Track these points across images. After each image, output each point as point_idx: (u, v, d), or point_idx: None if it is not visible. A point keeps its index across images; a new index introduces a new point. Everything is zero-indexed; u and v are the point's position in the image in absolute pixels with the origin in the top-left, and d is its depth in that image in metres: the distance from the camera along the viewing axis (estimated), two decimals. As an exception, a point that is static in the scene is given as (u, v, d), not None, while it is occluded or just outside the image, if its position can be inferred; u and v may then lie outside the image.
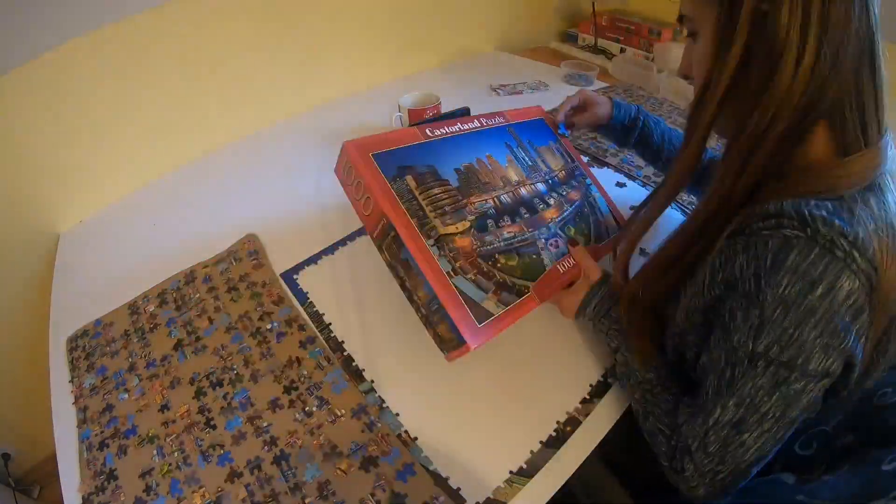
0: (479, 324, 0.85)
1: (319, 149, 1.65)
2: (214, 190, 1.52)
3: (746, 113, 0.67)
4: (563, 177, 1.14)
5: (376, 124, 1.75)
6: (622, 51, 2.37)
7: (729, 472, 0.69)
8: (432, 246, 0.86)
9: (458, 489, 0.83)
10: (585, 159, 1.55)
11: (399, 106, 1.62)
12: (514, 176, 1.05)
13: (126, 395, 0.99)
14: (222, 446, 0.90)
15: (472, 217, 0.94)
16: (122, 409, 0.97)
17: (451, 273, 0.86)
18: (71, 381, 1.04)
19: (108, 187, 1.50)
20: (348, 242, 1.27)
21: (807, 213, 0.60)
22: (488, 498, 0.82)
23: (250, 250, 1.26)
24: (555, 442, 0.89)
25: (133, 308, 1.16)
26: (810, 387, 0.63)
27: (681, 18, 0.78)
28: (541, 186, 1.08)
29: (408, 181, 0.90)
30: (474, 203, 0.96)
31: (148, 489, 0.85)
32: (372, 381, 0.98)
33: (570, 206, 1.09)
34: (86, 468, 0.90)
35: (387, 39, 1.99)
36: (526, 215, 1.01)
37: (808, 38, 0.61)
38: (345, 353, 1.03)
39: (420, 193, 0.90)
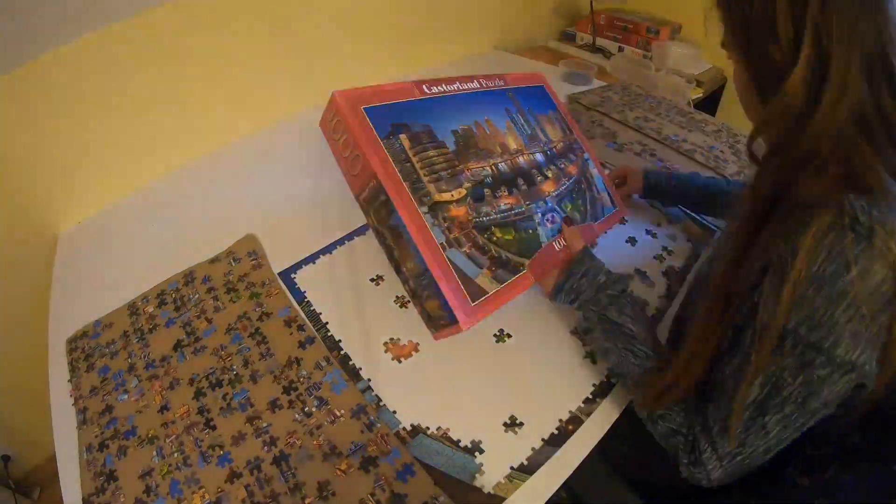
0: (472, 302, 0.80)
1: (318, 148, 1.63)
2: (213, 190, 1.51)
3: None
4: (561, 149, 1.09)
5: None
6: (620, 49, 2.38)
7: (747, 456, 0.70)
8: (426, 213, 0.80)
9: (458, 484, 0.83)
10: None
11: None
12: (512, 144, 1.00)
13: (126, 396, 0.99)
14: (222, 447, 0.90)
15: (469, 185, 0.88)
16: (121, 410, 0.97)
17: (445, 245, 0.80)
18: (70, 382, 1.04)
19: (107, 188, 1.49)
20: (346, 242, 1.27)
21: (846, 203, 0.60)
22: (488, 493, 0.82)
23: (249, 251, 1.26)
24: (557, 440, 0.89)
25: (132, 309, 1.16)
26: (835, 377, 0.63)
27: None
28: (539, 157, 1.03)
29: (402, 140, 0.84)
30: (471, 169, 0.90)
31: (148, 490, 0.85)
32: (369, 380, 0.98)
33: (568, 181, 1.05)
34: (86, 469, 0.90)
35: (385, 38, 1.99)
36: (524, 187, 0.96)
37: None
38: (342, 352, 1.03)
39: (415, 155, 0.84)
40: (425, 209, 0.80)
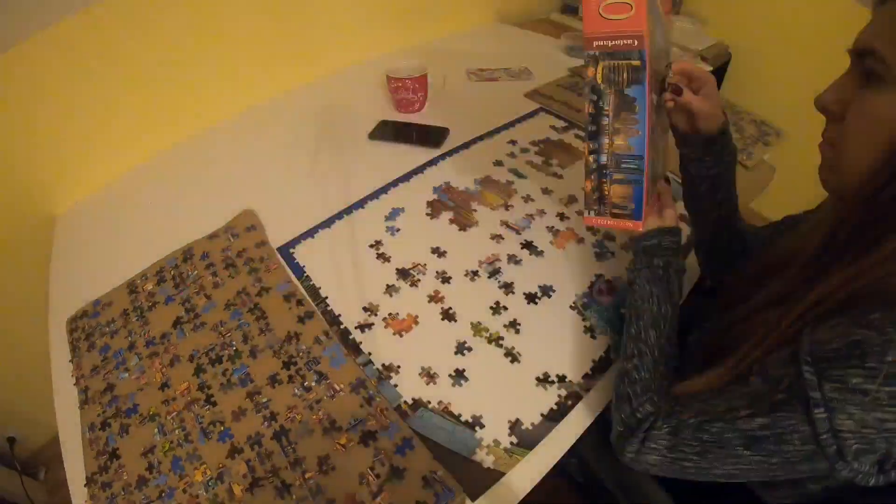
0: (647, 204, 0.74)
1: (315, 123, 1.63)
2: (211, 166, 1.50)
3: None
4: None
5: (369, 97, 1.74)
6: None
7: (697, 465, 0.67)
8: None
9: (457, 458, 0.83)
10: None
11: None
12: None
13: (126, 375, 1.00)
14: (223, 423, 0.90)
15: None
16: (122, 388, 0.98)
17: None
18: (71, 362, 1.04)
19: (103, 168, 1.48)
20: (345, 216, 1.26)
21: None
22: (487, 468, 0.82)
23: (248, 225, 1.25)
24: (556, 415, 0.89)
25: (131, 287, 1.16)
26: (834, 469, 0.57)
27: (861, 53, 0.59)
28: None
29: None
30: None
31: (150, 467, 0.86)
32: (369, 354, 0.97)
33: None
34: (89, 448, 0.90)
35: (383, 10, 1.96)
36: None
37: None
38: (341, 327, 1.02)
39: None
40: (654, 97, 0.73)
